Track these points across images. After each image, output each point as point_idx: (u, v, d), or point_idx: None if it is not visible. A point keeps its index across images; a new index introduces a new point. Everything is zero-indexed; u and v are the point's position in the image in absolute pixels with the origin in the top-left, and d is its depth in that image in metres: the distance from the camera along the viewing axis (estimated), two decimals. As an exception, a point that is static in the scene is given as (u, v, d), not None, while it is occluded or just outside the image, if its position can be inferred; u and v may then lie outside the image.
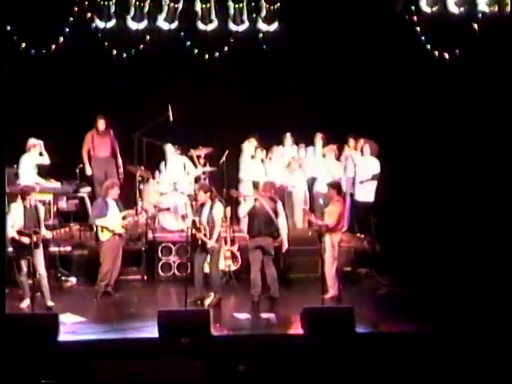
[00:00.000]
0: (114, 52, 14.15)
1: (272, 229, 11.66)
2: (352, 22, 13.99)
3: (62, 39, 13.76)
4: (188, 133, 15.07)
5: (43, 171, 13.72)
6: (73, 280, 12.70)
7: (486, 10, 13.77)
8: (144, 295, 12.30)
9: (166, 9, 13.97)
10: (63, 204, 13.72)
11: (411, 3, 14.05)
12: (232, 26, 14.14)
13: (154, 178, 14.24)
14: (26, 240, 10.88)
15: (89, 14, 13.80)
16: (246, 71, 14.93)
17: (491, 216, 13.59)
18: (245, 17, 14.13)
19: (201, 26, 14.08)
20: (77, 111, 14.54)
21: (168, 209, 13.59)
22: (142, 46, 14.14)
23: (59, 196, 13.68)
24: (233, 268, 12.81)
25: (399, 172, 14.34)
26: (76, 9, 13.69)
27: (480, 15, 13.80)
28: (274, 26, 14.26)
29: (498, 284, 11.78)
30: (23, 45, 13.55)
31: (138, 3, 13.84)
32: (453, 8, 13.91)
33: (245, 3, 14.12)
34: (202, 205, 11.67)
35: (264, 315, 11.26)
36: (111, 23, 13.89)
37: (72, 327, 10.40)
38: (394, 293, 12.34)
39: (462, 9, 13.86)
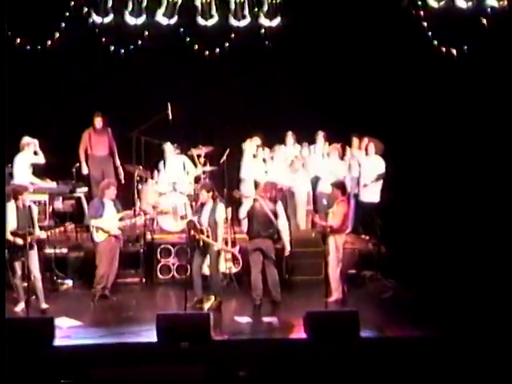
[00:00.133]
0: (112, 48, 14.14)
1: (271, 231, 11.63)
2: (357, 16, 13.97)
3: (57, 35, 13.74)
4: (188, 131, 15.06)
5: (38, 171, 13.70)
6: (69, 283, 12.71)
7: (495, 4, 13.71)
8: (142, 298, 12.28)
9: (164, 3, 13.94)
10: (59, 204, 13.71)
11: (417, -3, 14.05)
12: (233, 22, 14.12)
13: (152, 177, 14.22)
14: (19, 241, 10.87)
15: (85, 9, 13.77)
16: (247, 68, 14.92)
17: (501, 216, 13.56)
18: (246, 11, 14.10)
19: (201, 21, 14.06)
20: (73, 109, 14.55)
21: (166, 212, 13.55)
22: (140, 41, 14.12)
23: (55, 196, 13.67)
24: (234, 270, 12.79)
25: (405, 171, 14.33)
26: (72, 3, 13.66)
27: (489, 10, 13.74)
28: (277, 21, 14.23)
29: (508, 289, 11.75)
30: (18, 40, 13.53)
31: (136, -2, 13.85)
32: (460, 3, 13.86)
33: (246, -3, 14.13)
34: (202, 205, 11.66)
35: (266, 319, 11.24)
36: (108, 18, 13.86)
37: (68, 331, 10.39)
38: (400, 296, 12.31)
39: (469, 3, 13.81)
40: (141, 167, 13.96)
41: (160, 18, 13.97)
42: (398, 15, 13.93)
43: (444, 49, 13.95)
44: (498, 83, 13.88)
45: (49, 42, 13.75)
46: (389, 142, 14.34)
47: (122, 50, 14.18)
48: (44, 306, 11.18)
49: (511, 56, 13.69)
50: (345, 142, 14.54)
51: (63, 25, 13.72)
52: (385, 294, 12.47)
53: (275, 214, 11.66)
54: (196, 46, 14.32)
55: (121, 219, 11.99)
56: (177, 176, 14.15)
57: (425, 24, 13.89)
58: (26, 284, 10.89)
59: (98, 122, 14.34)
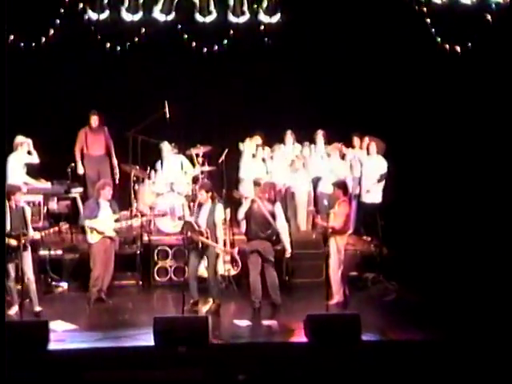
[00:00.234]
0: (108, 45, 14.07)
1: (269, 232, 11.60)
2: (358, 13, 13.94)
3: (52, 31, 13.70)
4: (185, 130, 15.06)
5: (32, 171, 13.68)
6: (64, 285, 12.69)
7: (500, 0, 13.70)
8: (139, 301, 12.26)
9: (162, -1, 13.94)
10: (54, 205, 13.69)
11: (421, -7, 14.02)
12: (232, 18, 14.07)
13: (149, 177, 14.21)
14: (13, 242, 10.84)
15: (81, 5, 13.69)
16: (246, 65, 14.89)
17: (505, 216, 13.55)
18: (245, 8, 14.05)
19: (199, 17, 14.01)
20: (68, 107, 14.54)
21: (164, 214, 13.53)
22: (136, 38, 14.05)
23: (49, 197, 13.65)
24: (232, 272, 12.79)
25: (407, 171, 14.32)
26: (67, -1, 13.68)
27: (494, 6, 13.71)
28: (277, 18, 14.18)
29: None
30: (11, 37, 13.49)
31: (132, -7, 13.82)
32: (465, -2, 13.86)
33: (245, -7, 14.11)
34: (200, 205, 11.63)
35: (265, 322, 11.23)
36: (104, 15, 13.80)
37: (63, 335, 10.37)
38: (403, 299, 12.31)
39: (474, -1, 13.81)
40: (137, 167, 13.96)
41: (157, 14, 13.91)
42: (400, 11, 13.91)
43: (448, 45, 13.92)
44: (502, 81, 13.84)
45: (43, 39, 13.71)
46: (391, 141, 14.33)
47: (119, 48, 14.11)
48: (38, 308, 11.16)
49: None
50: (345, 141, 14.53)
51: (58, 21, 13.65)
52: (387, 296, 12.47)
53: (273, 216, 11.64)
54: (194, 43, 14.26)
55: (116, 220, 11.97)
56: (174, 176, 14.13)
57: (428, 20, 13.88)
58: (19, 286, 10.85)
59: (94, 120, 14.33)
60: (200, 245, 11.41)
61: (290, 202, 14.07)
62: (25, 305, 10.83)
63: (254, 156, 14.35)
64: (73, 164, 14.12)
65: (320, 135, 14.51)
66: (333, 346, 9.80)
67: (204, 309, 11.48)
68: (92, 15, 13.78)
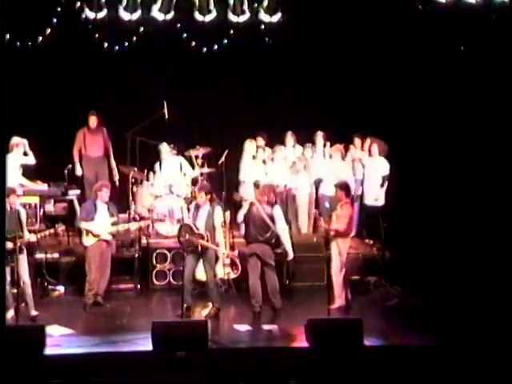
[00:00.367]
0: (106, 45, 14.10)
1: (268, 236, 11.58)
2: (359, 12, 13.92)
3: (49, 31, 13.71)
4: (185, 131, 15.07)
5: (28, 172, 13.65)
6: (61, 289, 12.69)
7: (505, -1, 13.71)
8: (137, 305, 12.25)
9: (160, -2, 13.94)
10: (50, 207, 13.67)
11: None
12: (232, 17, 14.06)
13: (148, 179, 14.20)
14: (9, 245, 10.83)
15: (78, 4, 13.70)
16: (246, 65, 14.91)
17: (509, 217, 13.55)
18: (245, 7, 14.05)
19: (198, 16, 14.00)
20: (65, 107, 14.54)
21: (162, 220, 13.51)
22: (135, 38, 14.06)
23: (46, 199, 13.62)
24: (232, 276, 12.78)
25: (410, 173, 14.31)
26: (64, -2, 13.67)
27: (498, 5, 13.70)
28: (277, 17, 14.18)
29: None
30: (8, 36, 13.48)
31: (130, -8, 13.82)
32: (469, -2, 13.86)
33: (245, -8, 14.10)
34: (198, 208, 11.60)
35: (266, 327, 11.22)
36: (102, 13, 13.79)
37: (59, 340, 10.36)
38: (406, 303, 12.30)
39: (478, -2, 13.80)
40: (136, 169, 13.95)
41: (156, 13, 13.90)
42: (403, 10, 13.89)
43: (452, 45, 13.92)
44: (508, 82, 13.83)
45: (40, 39, 13.72)
46: (392, 142, 14.33)
47: (117, 47, 14.14)
48: (34, 313, 11.14)
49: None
50: (346, 142, 14.53)
51: (55, 20, 13.67)
52: (390, 300, 12.46)
53: (272, 219, 11.61)
54: (193, 43, 14.28)
55: (113, 224, 11.95)
56: (173, 178, 14.12)
57: (432, 19, 13.87)
58: (15, 290, 10.86)
59: (93, 121, 14.31)
60: (199, 248, 11.40)
61: (290, 204, 14.07)
62: (21, 309, 10.81)
63: (254, 158, 14.33)
64: (70, 165, 14.09)
65: (319, 136, 14.50)
66: (334, 351, 9.77)
67: (203, 313, 11.46)
68: (89, 14, 13.76)
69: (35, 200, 13.31)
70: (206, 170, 14.18)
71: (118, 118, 14.54)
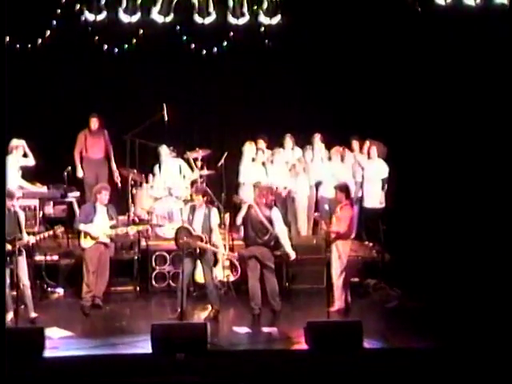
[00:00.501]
0: (105, 47, 14.14)
1: (267, 238, 11.58)
2: (359, 14, 13.94)
3: (48, 33, 13.73)
4: (184, 133, 15.08)
5: (28, 174, 13.65)
6: (60, 291, 12.69)
7: (505, 1, 13.69)
8: (136, 308, 12.25)
9: (160, 0, 13.92)
10: (50, 210, 13.67)
11: (424, -6, 14.03)
12: (231, 19, 14.09)
13: (147, 181, 14.20)
14: (8, 247, 10.83)
15: (78, 6, 13.74)
16: (246, 67, 14.93)
17: (509, 218, 13.55)
18: (245, 9, 14.08)
19: (198, 19, 14.03)
20: (64, 109, 14.53)
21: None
22: (134, 40, 14.11)
23: (45, 201, 13.62)
24: (232, 278, 12.77)
25: (410, 176, 14.31)
26: (64, 0, 13.66)
27: (498, 8, 13.71)
28: (277, 19, 14.21)
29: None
30: (7, 39, 13.49)
31: (130, -6, 13.84)
32: (468, 0, 13.85)
33: (245, -6, 14.12)
34: (194, 210, 11.58)
35: (265, 329, 11.21)
36: (102, 16, 13.83)
37: (59, 342, 10.35)
38: (405, 306, 12.28)
39: (478, 0, 13.79)
40: (135, 171, 13.95)
41: (155, 15, 13.94)
42: (403, 12, 13.91)
43: (451, 47, 13.92)
44: (507, 85, 13.84)
45: (39, 41, 13.74)
46: (391, 144, 14.33)
47: (116, 49, 14.17)
48: (33, 315, 11.13)
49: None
50: (345, 144, 14.53)
51: (54, 22, 13.70)
52: (389, 303, 12.44)
53: (270, 221, 11.61)
54: (193, 45, 14.31)
55: (112, 227, 11.94)
56: (173, 180, 14.12)
57: (431, 22, 13.88)
58: (14, 292, 10.85)
59: (94, 123, 14.30)
60: (197, 250, 11.39)
61: (290, 206, 14.07)
62: (20, 311, 10.80)
63: (253, 160, 14.33)
64: (69, 168, 14.08)
65: (317, 138, 14.48)
66: (334, 354, 9.77)
67: (203, 315, 11.46)
68: (89, 16, 13.80)
69: (35, 202, 13.29)
70: (205, 172, 14.17)
71: (118, 120, 14.53)
